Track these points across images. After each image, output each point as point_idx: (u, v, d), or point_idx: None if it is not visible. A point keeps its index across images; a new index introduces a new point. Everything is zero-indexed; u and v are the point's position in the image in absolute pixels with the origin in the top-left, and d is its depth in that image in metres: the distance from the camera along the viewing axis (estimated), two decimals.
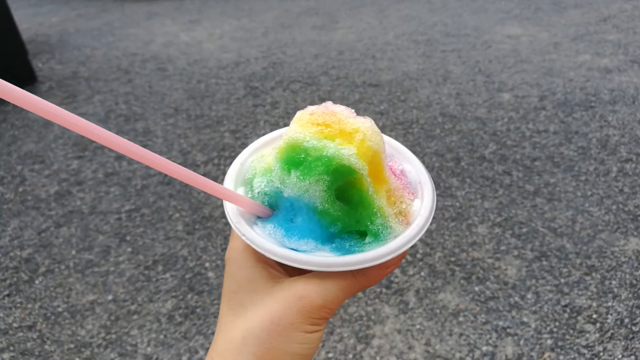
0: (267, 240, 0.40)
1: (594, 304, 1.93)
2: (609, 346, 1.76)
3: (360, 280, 0.40)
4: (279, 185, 0.41)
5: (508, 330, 1.86)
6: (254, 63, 4.74)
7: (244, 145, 3.21)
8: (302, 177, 0.39)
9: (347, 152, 0.39)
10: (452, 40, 4.98)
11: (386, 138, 0.49)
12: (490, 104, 3.57)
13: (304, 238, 0.40)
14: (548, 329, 1.85)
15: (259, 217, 0.43)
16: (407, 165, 0.49)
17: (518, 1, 6.36)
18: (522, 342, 1.81)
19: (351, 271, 0.39)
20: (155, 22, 6.41)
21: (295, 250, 0.39)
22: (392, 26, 5.64)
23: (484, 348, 1.80)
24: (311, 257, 0.38)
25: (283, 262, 0.38)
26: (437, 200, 2.57)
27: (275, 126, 3.43)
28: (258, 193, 0.43)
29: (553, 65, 4.18)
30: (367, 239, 0.41)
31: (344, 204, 0.40)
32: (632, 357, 1.71)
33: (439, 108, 3.55)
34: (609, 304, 1.93)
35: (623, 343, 1.77)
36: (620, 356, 1.72)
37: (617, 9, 5.66)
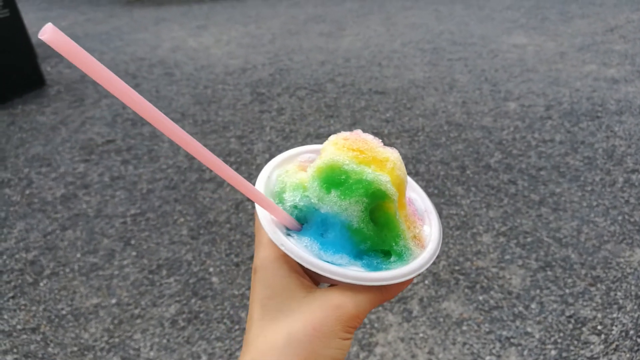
0: (305, 252, 0.43)
1: (599, 315, 1.92)
2: (614, 358, 1.75)
3: (384, 294, 0.43)
4: (316, 202, 0.44)
5: (512, 340, 1.85)
6: (260, 69, 4.76)
7: (250, 151, 3.22)
8: (342, 197, 0.42)
9: (384, 178, 0.43)
10: (459, 49, 4.99)
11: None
12: (496, 112, 3.57)
13: (338, 253, 0.43)
14: (552, 339, 1.84)
15: (287, 229, 0.46)
16: (412, 194, 0.53)
17: (525, 11, 6.37)
18: (525, 352, 1.80)
19: (378, 286, 0.43)
20: (162, 28, 6.46)
21: (331, 263, 0.43)
22: (399, 34, 5.65)
23: (488, 358, 1.79)
24: (347, 271, 0.42)
25: (322, 274, 0.42)
26: (442, 208, 2.57)
27: (281, 132, 3.44)
28: (289, 206, 0.46)
29: (559, 75, 4.18)
30: (392, 258, 0.45)
31: (373, 224, 0.44)
32: None
33: (445, 116, 3.55)
34: (614, 315, 1.92)
35: (628, 355, 1.76)
36: None
37: (624, 19, 5.65)
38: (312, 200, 0.44)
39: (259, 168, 3.02)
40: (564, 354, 1.78)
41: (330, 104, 3.88)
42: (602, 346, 1.80)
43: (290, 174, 0.49)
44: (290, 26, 6.27)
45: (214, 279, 2.21)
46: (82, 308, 2.08)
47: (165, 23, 6.71)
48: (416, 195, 0.54)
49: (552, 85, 3.98)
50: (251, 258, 2.33)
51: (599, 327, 1.87)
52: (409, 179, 0.53)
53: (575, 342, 1.82)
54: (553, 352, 1.80)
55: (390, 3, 7.38)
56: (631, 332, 1.84)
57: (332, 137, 0.47)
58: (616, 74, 4.11)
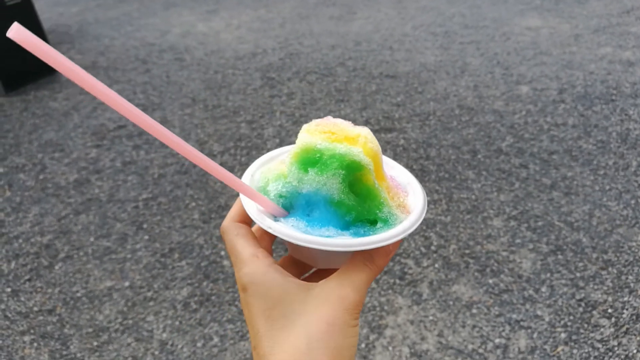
0: (292, 230, 0.44)
1: (610, 299, 1.92)
2: (624, 341, 1.75)
3: (373, 269, 0.44)
4: (297, 184, 0.46)
5: (522, 323, 1.86)
6: (270, 54, 4.74)
7: (260, 136, 3.23)
8: (319, 173, 0.44)
9: (357, 150, 0.45)
10: (471, 32, 4.92)
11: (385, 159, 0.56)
12: (508, 96, 3.53)
13: (325, 226, 0.45)
14: (562, 322, 1.84)
15: (275, 218, 0.47)
16: (393, 172, 0.55)
17: None
18: (535, 335, 1.81)
19: (363, 262, 0.43)
20: (172, 13, 6.45)
21: (320, 236, 0.43)
22: (410, 17, 5.59)
23: (497, 340, 1.80)
24: (335, 240, 0.42)
25: (311, 247, 0.42)
26: (453, 192, 2.56)
27: (292, 117, 3.44)
28: (274, 196, 0.47)
29: (573, 57, 4.11)
30: (379, 225, 0.46)
31: (354, 196, 0.46)
32: None
33: (457, 100, 3.52)
34: (625, 299, 1.91)
35: (639, 338, 1.75)
36: (635, 351, 1.71)
37: None
38: (293, 184, 0.46)
39: None
40: (574, 337, 1.78)
41: (341, 88, 3.87)
42: (612, 329, 1.80)
43: (271, 169, 0.51)
44: (301, 10, 6.22)
45: (225, 262, 2.23)
46: (97, 290, 2.11)
47: (175, 8, 6.70)
48: (397, 172, 0.55)
49: (566, 68, 3.92)
50: None
51: (610, 311, 1.87)
52: (387, 158, 0.55)
53: (585, 325, 1.82)
54: (563, 335, 1.80)
55: None
56: None
57: (305, 125, 0.49)
58: (632, 56, 4.03)
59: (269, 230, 0.44)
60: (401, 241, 0.44)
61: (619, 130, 3.00)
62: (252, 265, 0.44)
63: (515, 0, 5.92)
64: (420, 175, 2.72)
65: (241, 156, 3.02)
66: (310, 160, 0.45)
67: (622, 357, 1.70)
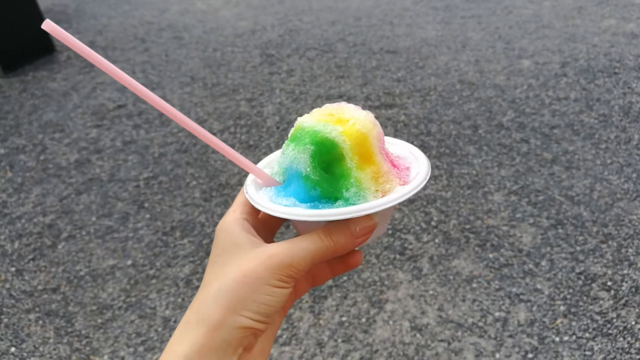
0: (260, 197, 0.48)
1: (609, 272, 1.93)
2: (623, 313, 1.76)
3: (327, 242, 0.44)
4: (282, 159, 0.49)
5: (521, 296, 1.87)
6: (270, 30, 4.69)
7: (260, 114, 3.21)
8: (294, 148, 0.47)
9: (332, 128, 0.46)
10: (472, 6, 4.85)
11: (407, 145, 0.55)
12: (510, 70, 3.49)
13: (288, 196, 0.47)
14: (561, 295, 1.86)
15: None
16: (415, 165, 0.52)
17: None
18: (535, 308, 1.82)
19: (318, 234, 0.44)
20: None
21: (278, 205, 0.46)
22: None
23: (497, 314, 1.82)
24: (282, 208, 0.45)
25: (260, 209, 0.46)
26: (453, 168, 2.55)
27: (291, 94, 3.42)
28: (275, 172, 0.52)
29: (576, 30, 4.05)
30: (338, 202, 0.46)
31: (329, 175, 0.46)
32: None
33: (458, 75, 3.49)
34: (625, 271, 1.92)
35: (637, 310, 1.77)
36: (633, 323, 1.72)
37: None
38: (281, 159, 0.50)
39: (269, 131, 3.02)
40: (573, 309, 1.80)
41: (341, 64, 3.83)
42: (611, 302, 1.81)
43: None
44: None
45: None
46: (100, 269, 2.13)
47: None
48: (418, 167, 0.51)
49: (569, 41, 3.87)
50: None
51: (609, 283, 1.88)
52: (422, 155, 0.52)
53: (585, 298, 1.84)
54: (562, 308, 1.81)
55: None
56: None
57: (315, 109, 0.50)
58: (635, 28, 3.97)
59: (246, 195, 0.48)
60: (367, 232, 0.45)
61: (622, 104, 2.98)
62: (226, 216, 0.48)
63: None
64: (421, 151, 2.71)
65: (241, 134, 3.01)
66: (294, 137, 0.48)
67: (621, 328, 1.71)
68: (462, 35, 4.15)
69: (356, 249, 0.50)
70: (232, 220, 0.47)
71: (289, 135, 0.49)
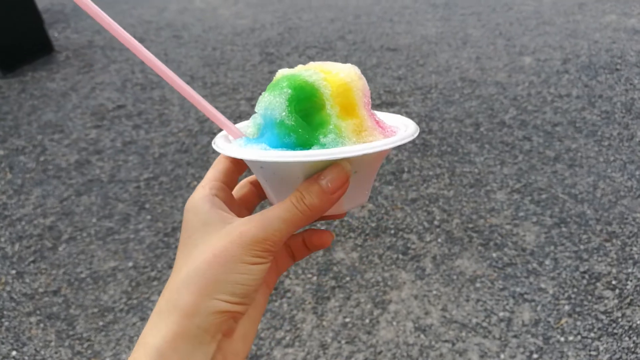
0: (229, 145, 0.44)
1: (614, 270, 1.91)
2: (628, 312, 1.75)
3: (300, 207, 0.40)
4: (257, 108, 0.45)
5: (525, 296, 1.86)
6: (269, 29, 4.67)
7: None
8: (269, 92, 0.43)
9: (312, 72, 0.42)
10: (472, 3, 4.83)
11: (399, 117, 0.50)
12: (511, 68, 3.48)
13: (259, 143, 0.43)
14: (566, 295, 1.85)
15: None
16: (403, 131, 0.47)
17: None
18: (539, 308, 1.81)
19: (291, 202, 0.40)
20: None
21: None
22: None
23: (501, 314, 1.81)
24: (249, 151, 0.41)
25: (224, 154, 0.43)
26: (455, 166, 2.54)
27: None
28: (250, 131, 0.47)
29: (577, 26, 4.04)
30: (314, 147, 0.42)
31: (307, 123, 0.42)
32: None
33: (459, 72, 3.47)
34: (629, 270, 1.91)
35: None
36: (638, 322, 1.71)
37: None
38: (256, 108, 0.45)
39: None
40: (578, 309, 1.79)
41: (341, 62, 3.81)
42: (616, 301, 1.80)
43: None
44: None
45: None
46: (101, 271, 2.12)
47: None
48: (405, 130, 0.47)
49: (570, 37, 3.85)
50: None
51: (614, 282, 1.87)
52: (414, 125, 0.48)
53: (589, 297, 1.83)
54: (567, 307, 1.80)
55: None
56: None
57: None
58: (637, 24, 3.95)
59: (214, 147, 0.44)
60: (340, 185, 0.40)
61: (624, 100, 2.96)
62: (195, 193, 0.44)
63: None
64: (423, 149, 2.70)
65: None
66: (272, 85, 0.44)
67: (626, 328, 1.70)
68: (463, 32, 4.13)
69: (338, 219, 0.47)
70: (201, 197, 0.43)
71: (269, 85, 0.45)
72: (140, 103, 3.46)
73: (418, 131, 0.45)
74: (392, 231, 2.20)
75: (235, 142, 0.46)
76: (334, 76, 0.43)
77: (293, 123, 0.42)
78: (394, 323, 1.80)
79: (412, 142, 2.77)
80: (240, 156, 0.41)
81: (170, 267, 2.11)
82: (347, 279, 2.00)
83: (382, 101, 3.19)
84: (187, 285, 0.38)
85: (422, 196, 2.37)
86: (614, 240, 2.04)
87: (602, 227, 2.11)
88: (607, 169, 2.43)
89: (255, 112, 0.46)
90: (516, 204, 2.28)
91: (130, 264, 2.15)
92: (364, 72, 3.13)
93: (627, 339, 1.67)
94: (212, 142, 0.46)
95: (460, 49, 3.84)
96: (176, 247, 2.17)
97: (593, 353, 1.64)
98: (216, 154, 2.52)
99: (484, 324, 1.77)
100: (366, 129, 0.44)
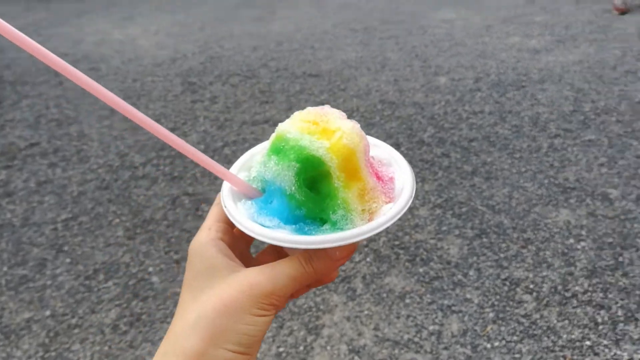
0: (240, 213, 0.45)
1: (531, 275, 2.02)
2: (545, 313, 1.85)
3: (307, 269, 0.42)
4: (263, 170, 0.46)
5: (453, 307, 1.92)
6: (191, 58, 4.64)
7: None
8: (277, 162, 0.44)
9: (319, 144, 0.43)
10: (389, 27, 5.04)
11: (388, 148, 0.53)
12: (428, 88, 3.64)
13: (270, 216, 0.44)
14: (490, 302, 1.92)
15: (251, 198, 0.48)
16: (399, 174, 0.51)
17: None
18: (466, 318, 1.87)
19: (299, 260, 0.42)
20: (85, 20, 6.15)
21: (261, 225, 0.43)
22: (330, 14, 5.64)
23: (431, 327, 1.85)
24: (266, 230, 0.42)
25: (243, 230, 0.43)
26: None
27: (216, 121, 3.37)
28: (253, 177, 0.49)
29: (486, 47, 4.31)
30: (325, 226, 0.44)
31: (314, 193, 0.44)
32: (566, 321, 1.80)
33: (378, 95, 3.59)
34: (544, 273, 2.02)
35: (557, 309, 1.86)
36: (555, 321, 1.81)
37: None
38: (261, 169, 0.47)
39: (193, 161, 2.95)
40: (501, 315, 1.86)
41: (265, 89, 3.84)
42: (534, 303, 1.89)
43: (262, 152, 0.51)
44: (220, 12, 6.13)
45: (154, 279, 2.15)
46: (13, 325, 1.97)
47: (88, 15, 6.39)
48: (402, 176, 0.50)
49: (480, 57, 4.09)
50: None
51: (531, 286, 1.97)
52: (401, 158, 0.51)
53: (511, 303, 1.91)
54: (491, 315, 1.87)
55: None
56: (559, 287, 1.94)
57: (296, 112, 0.48)
58: (537, 44, 4.28)
59: (224, 209, 0.46)
60: (347, 254, 0.45)
61: (530, 115, 3.17)
62: (200, 235, 0.46)
63: None
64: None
65: (164, 166, 2.92)
66: (276, 148, 0.45)
67: (544, 328, 1.79)
68: (381, 56, 4.29)
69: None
70: (207, 241, 0.44)
71: (270, 142, 0.46)
72: (56, 140, 3.30)
73: (414, 185, 0.48)
74: None
75: (244, 206, 0.47)
76: (337, 142, 0.44)
77: (303, 198, 0.44)
78: (328, 347, 1.80)
79: None
80: (258, 237, 0.42)
81: (93, 311, 2.00)
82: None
83: None
84: (196, 331, 0.39)
85: None
86: (529, 247, 2.16)
87: (519, 234, 2.23)
88: (519, 180, 2.58)
89: (253, 167, 0.48)
90: (439, 219, 2.36)
91: (48, 312, 2.01)
92: (287, 98, 3.15)
93: (546, 338, 1.76)
94: (222, 201, 0.46)
95: (380, 72, 3.98)
96: (98, 290, 2.07)
97: (517, 356, 1.71)
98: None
99: (416, 339, 1.81)
100: (369, 190, 0.46)
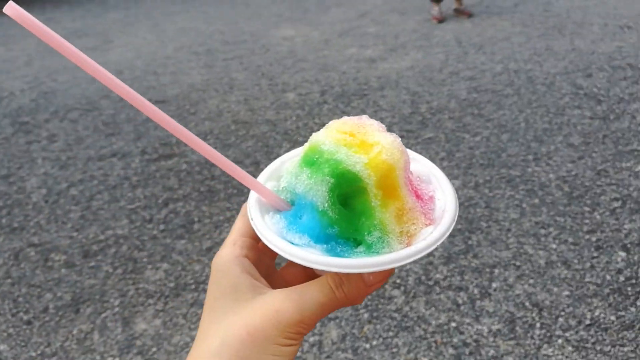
0: (268, 227, 0.42)
1: (396, 270, 2.15)
2: (414, 304, 1.98)
3: (339, 295, 0.40)
4: (294, 181, 0.43)
5: (329, 315, 1.96)
6: (19, 96, 4.19)
7: (22, 190, 2.81)
8: (310, 176, 0.41)
9: (357, 159, 0.40)
10: (232, 48, 5.06)
11: (428, 163, 0.50)
12: (278, 105, 3.71)
13: (300, 233, 0.41)
14: (363, 304, 2.00)
15: (278, 211, 0.45)
16: (440, 194, 0.48)
17: (287, 4, 6.74)
18: (343, 323, 1.92)
19: (328, 283, 0.40)
20: None
21: (290, 242, 0.40)
22: (169, 39, 5.50)
23: (311, 339, 1.87)
24: (296, 250, 0.39)
25: (272, 249, 0.40)
26: (236, 208, 2.58)
27: (57, 161, 3.07)
28: (282, 188, 0.45)
29: (327, 61, 4.53)
30: (359, 248, 0.41)
31: (348, 210, 0.41)
32: (433, 308, 1.94)
33: (230, 116, 3.57)
34: (407, 267, 2.16)
35: (424, 298, 2.00)
36: (423, 310, 1.94)
37: (372, 5, 6.38)
38: (292, 181, 0.44)
39: (36, 207, 2.65)
40: (375, 314, 1.95)
41: (109, 121, 3.60)
42: (403, 297, 2.02)
43: (292, 161, 0.48)
44: (47, 45, 5.63)
45: (3, 347, 1.88)
46: None
47: None
48: (443, 196, 0.47)
49: (323, 71, 4.29)
50: (44, 311, 2.04)
51: (398, 281, 2.09)
52: (444, 177, 0.48)
53: (382, 300, 2.01)
54: (366, 316, 1.95)
55: (156, 9, 7.13)
56: (423, 277, 2.09)
57: (332, 121, 0.44)
58: (372, 53, 4.61)
59: (251, 222, 0.43)
60: (382, 279, 0.42)
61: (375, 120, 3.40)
62: (226, 249, 0.43)
63: (269, 13, 6.28)
64: (209, 196, 2.68)
65: (0, 217, 2.58)
66: (309, 160, 0.42)
67: (415, 319, 1.91)
68: (228, 77, 4.29)
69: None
70: (231, 259, 0.42)
71: (303, 153, 0.43)
72: None
73: (457, 208, 0.45)
74: (193, 286, 2.11)
75: (272, 220, 0.43)
76: (376, 157, 0.40)
77: (337, 216, 0.41)
78: None
79: (197, 190, 2.74)
80: (287, 256, 0.39)
81: None
82: (154, 349, 1.85)
83: (160, 154, 3.09)
84: (220, 359, 0.37)
85: (217, 243, 2.35)
86: None
87: None
88: None
89: (282, 178, 0.45)
90: None
91: None
92: (135, 128, 2.99)
93: (417, 328, 1.88)
94: (249, 214, 0.44)
95: (228, 93, 3.96)
96: None
97: (394, 350, 1.80)
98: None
99: (298, 354, 1.81)
100: (407, 211, 0.43)
